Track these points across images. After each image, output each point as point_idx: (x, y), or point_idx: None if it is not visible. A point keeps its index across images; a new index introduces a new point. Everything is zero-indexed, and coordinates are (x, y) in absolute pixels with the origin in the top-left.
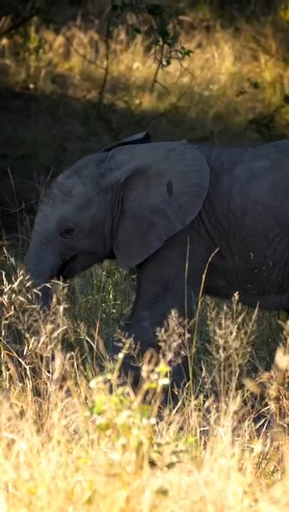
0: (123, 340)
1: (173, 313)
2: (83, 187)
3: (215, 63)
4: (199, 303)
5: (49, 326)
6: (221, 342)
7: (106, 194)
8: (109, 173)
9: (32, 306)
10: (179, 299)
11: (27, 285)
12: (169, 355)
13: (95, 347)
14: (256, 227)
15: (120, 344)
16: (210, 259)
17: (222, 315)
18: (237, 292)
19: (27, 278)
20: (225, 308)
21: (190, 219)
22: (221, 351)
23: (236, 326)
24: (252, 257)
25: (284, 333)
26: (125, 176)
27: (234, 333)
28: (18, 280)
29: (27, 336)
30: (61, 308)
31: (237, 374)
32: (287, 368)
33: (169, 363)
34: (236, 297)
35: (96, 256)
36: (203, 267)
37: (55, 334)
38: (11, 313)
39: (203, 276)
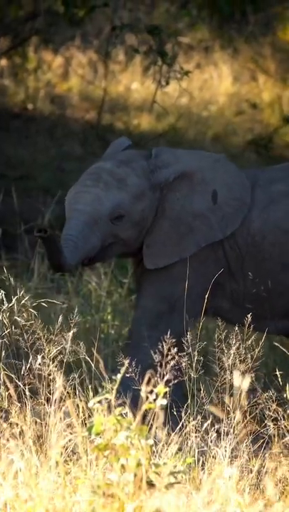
0: (123, 361)
1: (168, 334)
2: (137, 179)
3: (213, 84)
4: (201, 323)
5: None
6: (229, 362)
7: (155, 190)
8: (158, 170)
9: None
10: (185, 317)
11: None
12: (167, 376)
13: (93, 367)
14: (272, 251)
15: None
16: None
17: (233, 336)
18: (246, 315)
19: (26, 298)
20: (236, 329)
21: (230, 231)
22: (228, 373)
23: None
24: (264, 282)
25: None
26: (173, 176)
27: (242, 356)
28: (15, 299)
29: (30, 354)
30: (70, 333)
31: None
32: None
33: (167, 383)
34: (249, 319)
35: (129, 248)
36: (213, 288)
37: (53, 353)
38: (6, 332)
39: (206, 297)
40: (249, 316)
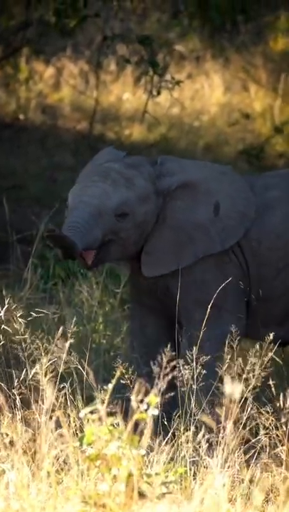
0: (119, 367)
1: (169, 347)
2: (144, 181)
3: (205, 94)
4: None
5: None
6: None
7: (158, 197)
8: (163, 177)
9: (22, 337)
10: (234, 312)
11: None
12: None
13: (85, 377)
14: (269, 257)
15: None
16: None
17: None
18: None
19: (14, 307)
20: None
21: (230, 244)
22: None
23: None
24: (258, 288)
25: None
26: (176, 184)
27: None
28: (3, 310)
29: (27, 364)
30: (67, 344)
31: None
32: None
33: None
34: (271, 336)
35: (127, 251)
36: (237, 288)
37: (47, 364)
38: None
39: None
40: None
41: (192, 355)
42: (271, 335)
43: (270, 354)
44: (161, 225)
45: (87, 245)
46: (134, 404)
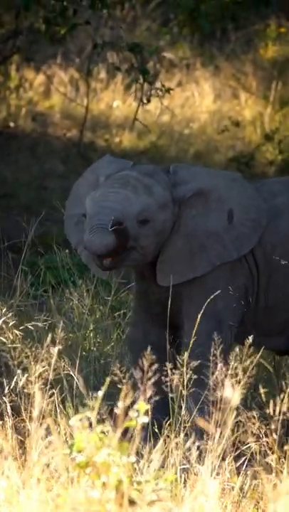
0: (117, 372)
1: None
2: (162, 190)
3: (195, 101)
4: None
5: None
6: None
7: (175, 205)
8: (178, 186)
9: (11, 345)
10: (231, 321)
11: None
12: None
13: (75, 384)
14: (280, 264)
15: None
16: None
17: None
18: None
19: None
20: (237, 350)
21: (245, 251)
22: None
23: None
24: (269, 296)
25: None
26: (190, 193)
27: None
28: None
29: (18, 371)
30: (56, 349)
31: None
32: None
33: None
34: (250, 340)
35: (144, 258)
36: (242, 298)
37: (37, 371)
38: None
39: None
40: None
41: (183, 360)
42: (250, 338)
43: (256, 359)
44: (175, 234)
45: (113, 246)
46: (119, 411)
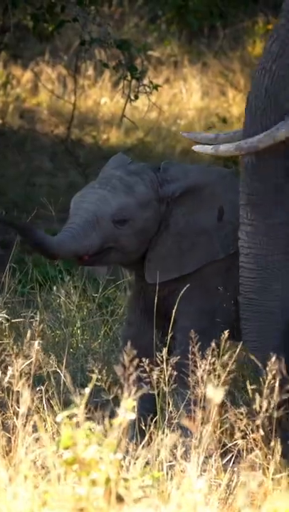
0: (95, 369)
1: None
2: (145, 188)
3: (183, 98)
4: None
5: (20, 361)
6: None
7: (161, 203)
8: (166, 184)
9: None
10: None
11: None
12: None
13: (62, 381)
14: None
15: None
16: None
17: (209, 351)
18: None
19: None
20: (213, 345)
21: (233, 250)
22: (202, 387)
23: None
24: None
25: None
26: (180, 190)
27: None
28: None
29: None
30: (36, 343)
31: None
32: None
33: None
34: (226, 335)
35: (127, 258)
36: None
37: (22, 366)
38: None
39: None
40: (226, 332)
41: (162, 357)
42: (226, 333)
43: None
44: (164, 232)
45: (81, 249)
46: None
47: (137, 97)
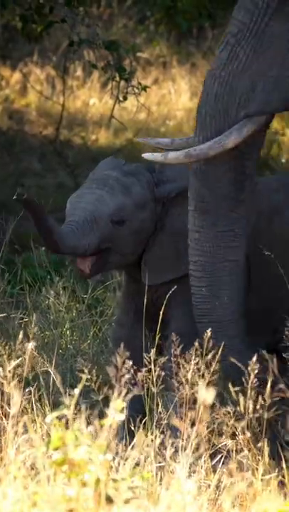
0: (84, 369)
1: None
2: (141, 189)
3: (171, 99)
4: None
5: (11, 362)
6: (189, 377)
7: (157, 204)
8: (162, 184)
9: None
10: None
11: None
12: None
13: (52, 381)
14: (279, 262)
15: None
16: None
17: (192, 351)
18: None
19: None
20: (196, 344)
21: None
22: (187, 387)
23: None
24: (265, 295)
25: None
26: (176, 191)
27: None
28: None
29: None
30: (30, 345)
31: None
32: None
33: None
34: (208, 334)
35: (124, 259)
36: None
37: (12, 366)
38: None
39: None
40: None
41: (150, 357)
42: (208, 332)
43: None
44: (160, 232)
45: (80, 247)
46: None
47: (125, 98)
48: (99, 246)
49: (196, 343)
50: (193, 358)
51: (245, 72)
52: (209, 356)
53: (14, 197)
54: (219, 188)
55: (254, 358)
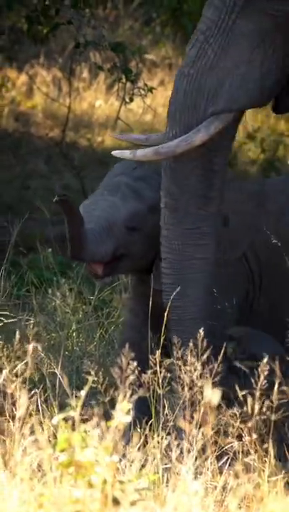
0: (91, 371)
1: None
2: (152, 193)
3: None
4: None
5: (13, 364)
6: (187, 379)
7: None
8: None
9: None
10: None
11: None
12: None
13: (59, 383)
14: (283, 265)
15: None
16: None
17: (188, 352)
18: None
19: None
20: (190, 345)
21: (238, 254)
22: (186, 389)
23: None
24: (272, 298)
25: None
26: None
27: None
28: None
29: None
30: (30, 346)
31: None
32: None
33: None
34: (202, 333)
35: (137, 265)
36: (244, 302)
37: (17, 368)
38: None
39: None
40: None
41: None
42: (201, 330)
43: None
44: None
45: (97, 254)
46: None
47: (131, 100)
48: (114, 253)
49: (191, 344)
50: (189, 358)
51: (213, 70)
52: (204, 356)
53: (55, 199)
54: (187, 185)
55: (265, 359)
